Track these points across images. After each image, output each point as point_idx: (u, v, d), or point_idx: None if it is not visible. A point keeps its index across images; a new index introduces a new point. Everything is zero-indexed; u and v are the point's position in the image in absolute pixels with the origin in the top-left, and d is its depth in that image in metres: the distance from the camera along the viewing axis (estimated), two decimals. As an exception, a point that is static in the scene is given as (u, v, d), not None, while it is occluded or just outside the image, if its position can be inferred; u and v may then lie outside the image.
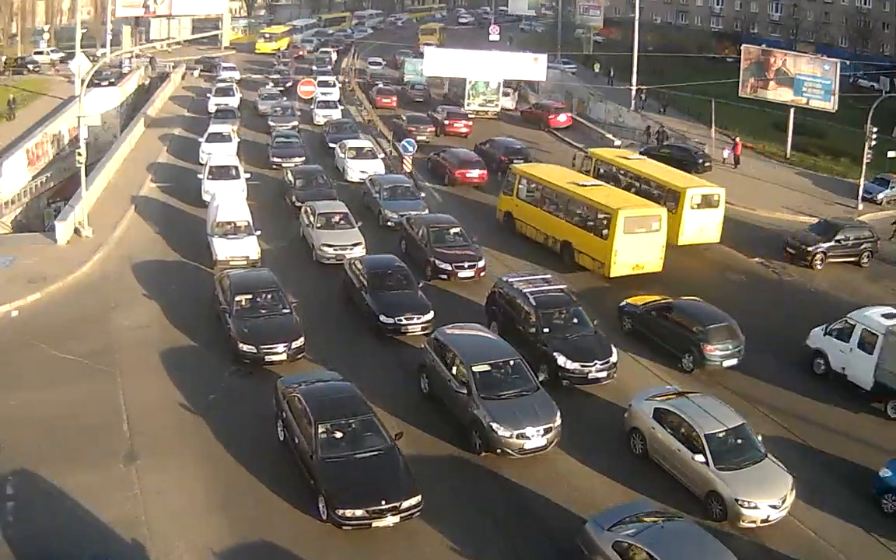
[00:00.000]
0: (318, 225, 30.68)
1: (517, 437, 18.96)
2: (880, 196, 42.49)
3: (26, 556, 15.50)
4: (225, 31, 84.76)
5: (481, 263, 29.29)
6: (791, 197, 43.00)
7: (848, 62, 67.24)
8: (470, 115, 55.65)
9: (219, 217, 29.54)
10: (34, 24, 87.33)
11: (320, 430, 17.30)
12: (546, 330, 23.12)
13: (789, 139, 51.48)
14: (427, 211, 34.04)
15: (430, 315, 24.82)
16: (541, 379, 21.33)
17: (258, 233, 29.49)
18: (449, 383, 20.42)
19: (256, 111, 53.96)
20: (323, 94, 56.64)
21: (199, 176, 36.30)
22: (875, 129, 41.45)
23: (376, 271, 26.14)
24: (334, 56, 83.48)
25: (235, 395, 21.29)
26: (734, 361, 24.25)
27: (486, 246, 31.29)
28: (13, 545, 15.69)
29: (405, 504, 16.42)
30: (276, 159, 41.03)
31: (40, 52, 74.87)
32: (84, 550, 15.66)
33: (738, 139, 50.10)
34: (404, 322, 24.54)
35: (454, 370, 20.40)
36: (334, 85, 60.54)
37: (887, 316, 24.08)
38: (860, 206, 41.48)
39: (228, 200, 31.06)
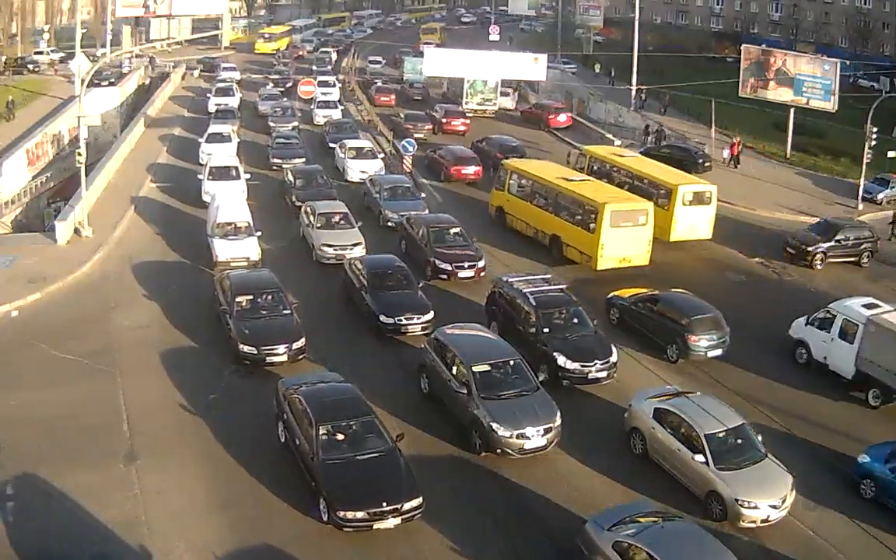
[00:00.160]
0: (318, 225, 30.68)
1: (517, 437, 18.96)
2: (880, 196, 42.48)
3: (26, 556, 15.50)
4: (225, 31, 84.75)
5: (481, 263, 29.29)
6: (791, 197, 43.01)
7: (848, 62, 67.24)
8: (468, 114, 56.03)
9: (219, 218, 29.52)
10: (34, 24, 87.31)
11: (321, 432, 17.27)
12: (546, 330, 23.13)
13: (789, 139, 51.48)
14: (427, 211, 34.04)
15: (430, 315, 24.82)
16: (541, 379, 21.32)
17: (258, 234, 29.48)
18: (449, 383, 20.42)
19: (256, 112, 53.93)
20: (323, 94, 56.68)
21: (199, 177, 36.26)
22: (875, 129, 41.45)
23: (376, 271, 26.14)
24: (334, 56, 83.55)
25: (235, 395, 21.29)
26: (719, 352, 24.63)
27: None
28: (13, 545, 15.69)
29: (406, 506, 16.39)
30: (276, 160, 40.93)
31: (40, 52, 74.85)
32: (84, 550, 15.67)
33: (736, 139, 50.09)
34: (404, 322, 24.53)
35: (454, 370, 20.40)
36: (334, 85, 60.57)
37: (868, 306, 24.57)
38: (860, 206, 41.48)
39: (229, 201, 31.03)
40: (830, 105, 50.34)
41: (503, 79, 62.72)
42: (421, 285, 26.37)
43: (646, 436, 19.64)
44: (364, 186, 37.24)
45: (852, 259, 33.87)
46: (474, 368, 20.02)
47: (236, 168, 36.33)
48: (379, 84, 67.07)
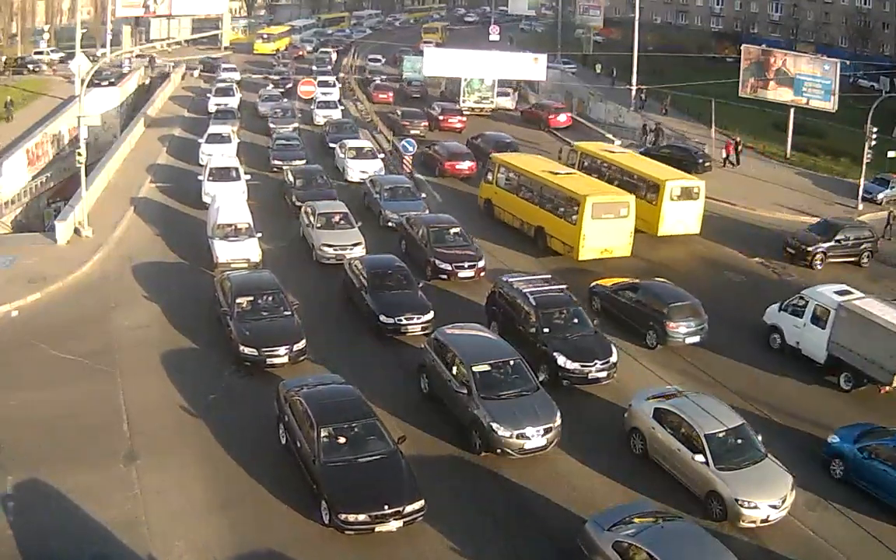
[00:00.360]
0: (318, 225, 30.67)
1: (517, 437, 18.96)
2: (880, 196, 42.47)
3: (26, 555, 15.50)
4: (225, 31, 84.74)
5: (481, 263, 29.29)
6: (791, 197, 43.01)
7: (848, 62, 67.22)
8: (465, 112, 56.63)
9: (219, 219, 29.47)
10: (34, 24, 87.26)
11: (322, 434, 17.21)
12: (546, 330, 23.13)
13: (789, 139, 51.49)
14: (427, 211, 34.04)
15: (430, 315, 24.81)
16: (541, 379, 21.34)
17: (259, 235, 29.46)
18: (449, 383, 20.42)
19: (256, 112, 53.88)
20: (323, 94, 56.69)
21: (199, 178, 36.17)
22: (875, 129, 41.45)
23: (376, 271, 26.14)
24: (334, 56, 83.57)
25: (235, 395, 21.29)
26: (697, 339, 25.32)
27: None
28: (13, 545, 15.69)
29: (408, 508, 16.33)
30: (276, 162, 40.73)
31: (40, 52, 74.84)
32: (84, 550, 15.68)
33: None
34: (404, 322, 24.53)
35: (454, 370, 20.40)
36: (334, 85, 60.60)
37: (840, 292, 25.26)
38: (860, 206, 41.48)
39: (229, 202, 30.97)
40: (830, 105, 50.36)
41: (503, 79, 62.86)
42: (421, 285, 26.37)
43: (646, 436, 19.64)
44: (364, 186, 37.24)
45: (852, 259, 33.88)
46: (474, 368, 20.02)
47: (236, 169, 36.27)
48: (377, 82, 67.77)
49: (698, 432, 18.44)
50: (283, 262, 29.61)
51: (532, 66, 64.00)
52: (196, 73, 72.30)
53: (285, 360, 22.26)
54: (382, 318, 24.47)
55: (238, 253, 28.45)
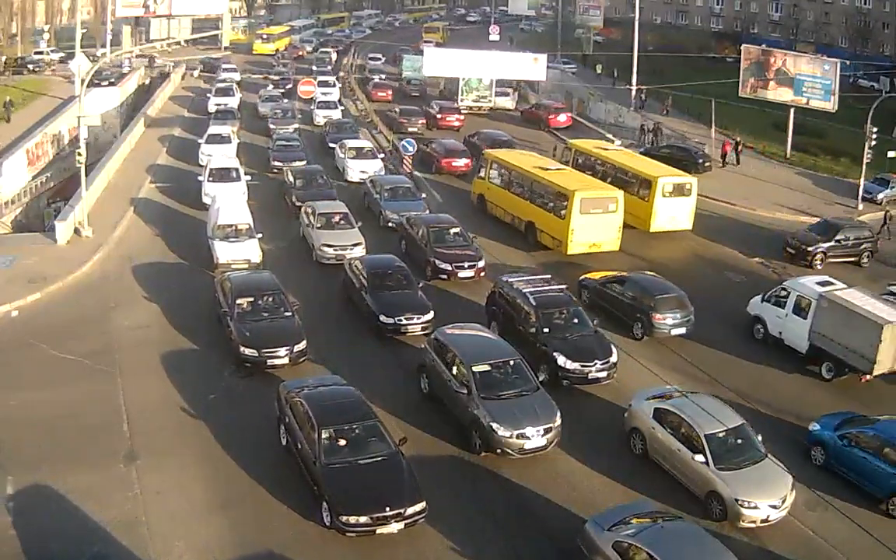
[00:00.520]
0: (318, 225, 30.67)
1: (517, 437, 18.96)
2: (880, 196, 42.46)
3: (27, 555, 15.50)
4: (225, 31, 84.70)
5: (481, 263, 29.30)
6: (791, 197, 43.02)
7: (848, 62, 67.23)
8: (464, 111, 57.10)
9: (220, 220, 29.44)
10: (34, 24, 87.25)
11: (323, 436, 17.16)
12: (546, 330, 23.13)
13: (789, 139, 51.51)
14: (428, 211, 34.04)
15: (430, 315, 24.81)
16: (541, 379, 21.34)
17: (259, 235, 29.44)
18: (449, 383, 20.42)
19: (256, 113, 53.83)
20: (323, 94, 56.72)
21: (199, 178, 36.04)
22: (875, 129, 41.47)
23: (376, 271, 26.14)
24: (334, 56, 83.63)
25: (235, 395, 21.29)
26: (683, 330, 25.80)
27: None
28: (14, 545, 15.69)
29: (410, 510, 16.30)
30: (276, 163, 40.60)
31: (40, 52, 74.87)
32: (84, 550, 15.66)
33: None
34: (404, 322, 24.52)
35: (454, 370, 20.40)
36: (334, 85, 60.63)
37: (821, 283, 25.85)
38: (860, 206, 41.49)
39: (229, 203, 30.94)
40: (830, 105, 50.38)
41: (503, 79, 62.93)
42: (421, 285, 26.37)
43: (646, 436, 19.64)
44: (364, 187, 37.25)
45: (852, 259, 33.90)
46: (474, 368, 20.02)
47: (236, 170, 36.20)
48: (376, 80, 68.31)
49: (698, 432, 18.44)
50: (283, 262, 29.61)
51: (532, 66, 64.04)
52: (196, 72, 72.30)
53: (286, 361, 22.22)
54: (382, 318, 24.46)
55: (238, 254, 28.41)
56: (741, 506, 17.41)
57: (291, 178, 36.72)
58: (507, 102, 62.65)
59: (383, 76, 71.92)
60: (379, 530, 16.16)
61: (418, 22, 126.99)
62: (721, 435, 18.55)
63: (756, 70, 53.57)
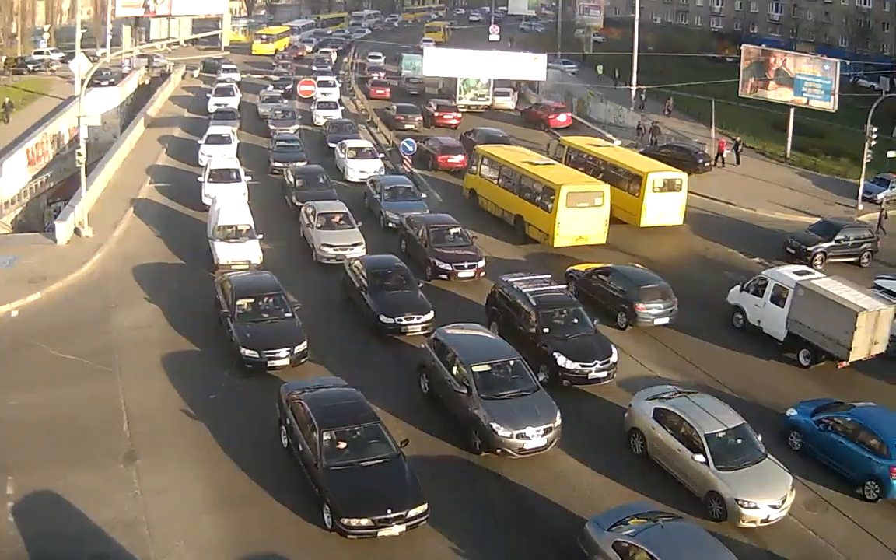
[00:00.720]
0: (319, 225, 30.65)
1: (517, 437, 18.96)
2: (880, 196, 42.44)
3: (26, 555, 15.50)
4: (225, 31, 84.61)
5: (481, 263, 29.30)
6: (791, 197, 43.02)
7: (848, 62, 67.24)
8: (461, 110, 57.70)
9: (220, 221, 29.38)
10: (34, 24, 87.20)
11: (325, 438, 17.10)
12: (546, 330, 23.12)
13: (789, 139, 51.49)
14: (428, 211, 34.04)
15: (430, 315, 24.80)
16: (541, 379, 21.34)
17: (260, 236, 29.41)
18: (449, 383, 20.41)
19: (257, 114, 53.71)
20: (323, 94, 56.75)
21: (199, 179, 35.91)
22: (875, 129, 41.44)
23: (376, 271, 26.13)
24: (334, 56, 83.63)
25: (236, 395, 21.28)
26: (666, 320, 26.40)
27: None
28: (13, 545, 15.69)
29: (411, 513, 16.26)
30: (276, 164, 40.50)
31: (40, 52, 74.86)
32: (84, 550, 15.67)
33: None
34: (404, 322, 24.52)
35: (454, 370, 20.39)
36: (334, 85, 60.62)
37: (799, 273, 26.45)
38: (860, 206, 41.48)
39: (230, 204, 30.86)
40: (830, 105, 50.37)
41: (504, 79, 62.98)
42: (421, 285, 26.36)
43: (646, 436, 19.64)
44: (365, 187, 37.24)
45: (852, 259, 33.89)
46: (474, 368, 20.01)
47: (237, 170, 36.07)
48: (375, 78, 69.15)
49: (698, 432, 18.44)
50: (283, 262, 29.59)
51: (532, 66, 64.09)
52: (196, 73, 72.29)
53: (286, 362, 22.18)
54: (382, 318, 24.46)
55: (239, 254, 28.37)
56: (741, 506, 17.40)
57: (291, 178, 36.67)
58: (508, 102, 62.71)
59: (382, 74, 72.47)
60: (380, 533, 16.12)
61: (417, 22, 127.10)
62: (721, 435, 18.55)
63: (756, 70, 53.55)
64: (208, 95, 56.30)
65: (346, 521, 15.94)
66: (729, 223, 38.18)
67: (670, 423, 19.17)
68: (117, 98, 58.14)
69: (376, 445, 17.47)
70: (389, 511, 16.09)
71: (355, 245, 29.78)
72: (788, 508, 17.83)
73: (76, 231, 31.65)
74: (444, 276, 28.72)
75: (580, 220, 32.18)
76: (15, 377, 21.47)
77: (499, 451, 19.02)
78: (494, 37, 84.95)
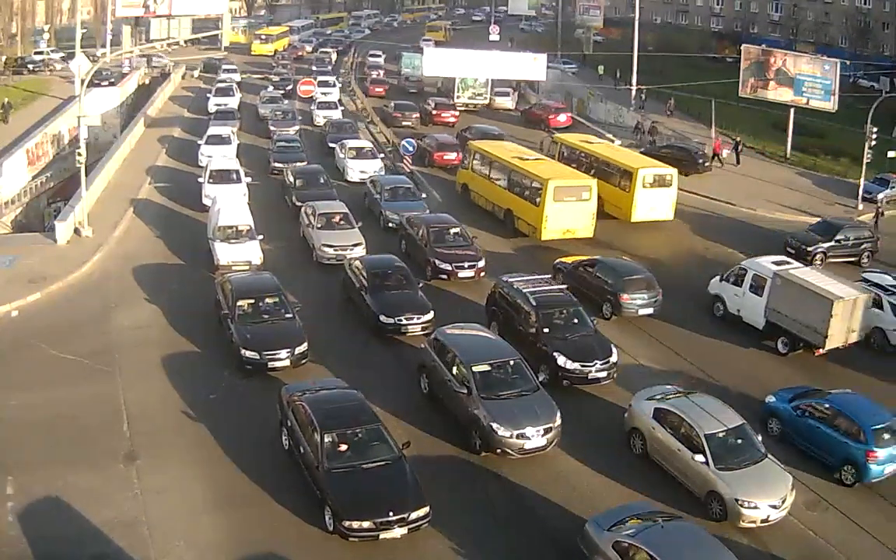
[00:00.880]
0: (319, 225, 30.64)
1: (517, 437, 18.96)
2: (880, 196, 42.44)
3: (26, 556, 15.50)
4: (225, 31, 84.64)
5: (481, 263, 29.30)
6: (791, 197, 43.02)
7: (848, 62, 67.25)
8: (459, 108, 58.21)
9: (220, 221, 29.33)
10: (34, 24, 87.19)
11: (326, 440, 17.03)
12: (546, 330, 23.12)
13: (789, 139, 51.51)
14: (428, 211, 34.03)
15: (430, 315, 24.80)
16: (541, 379, 21.34)
17: (260, 237, 29.39)
18: (449, 383, 20.41)
19: (257, 115, 53.59)
20: (323, 94, 56.78)
21: (199, 180, 35.84)
22: (875, 129, 41.46)
23: (376, 271, 26.12)
24: (334, 56, 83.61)
25: (236, 395, 21.27)
26: (650, 311, 27.09)
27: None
28: (13, 545, 15.69)
29: (413, 515, 16.21)
30: (276, 164, 40.42)
31: (40, 52, 74.86)
32: (84, 550, 15.67)
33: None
34: (404, 322, 24.52)
35: (454, 370, 20.39)
36: (334, 85, 60.65)
37: (777, 263, 27.16)
38: (860, 206, 41.48)
39: (230, 204, 30.80)
40: (830, 105, 50.40)
41: (504, 79, 63.01)
42: (421, 285, 26.35)
43: (646, 436, 19.64)
44: (365, 187, 37.24)
45: (852, 259, 33.89)
46: (474, 368, 20.01)
47: (237, 171, 35.95)
48: (373, 76, 70.01)
49: (698, 432, 18.45)
50: (284, 262, 29.58)
51: (532, 66, 64.14)
52: (196, 73, 72.30)
53: (287, 363, 22.14)
54: (382, 318, 24.46)
55: (239, 255, 28.33)
56: (741, 506, 17.40)
57: (291, 178, 36.63)
58: (508, 102, 62.78)
59: (381, 73, 73.04)
60: (382, 535, 16.07)
61: (416, 22, 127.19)
62: (721, 435, 18.56)
63: (756, 70, 53.57)
64: (208, 95, 56.26)
65: (347, 523, 15.89)
66: (729, 223, 38.19)
67: (670, 423, 19.17)
68: (117, 98, 58.12)
69: (378, 447, 17.41)
70: (391, 513, 16.04)
71: (355, 245, 29.78)
72: (788, 508, 17.83)
73: (76, 231, 31.65)
74: (444, 276, 28.72)
75: (568, 214, 32.83)
76: (15, 377, 21.47)
77: (499, 451, 19.02)
78: (494, 37, 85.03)
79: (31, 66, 70.20)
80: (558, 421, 19.48)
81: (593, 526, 16.08)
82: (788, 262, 27.41)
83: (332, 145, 44.47)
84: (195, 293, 26.78)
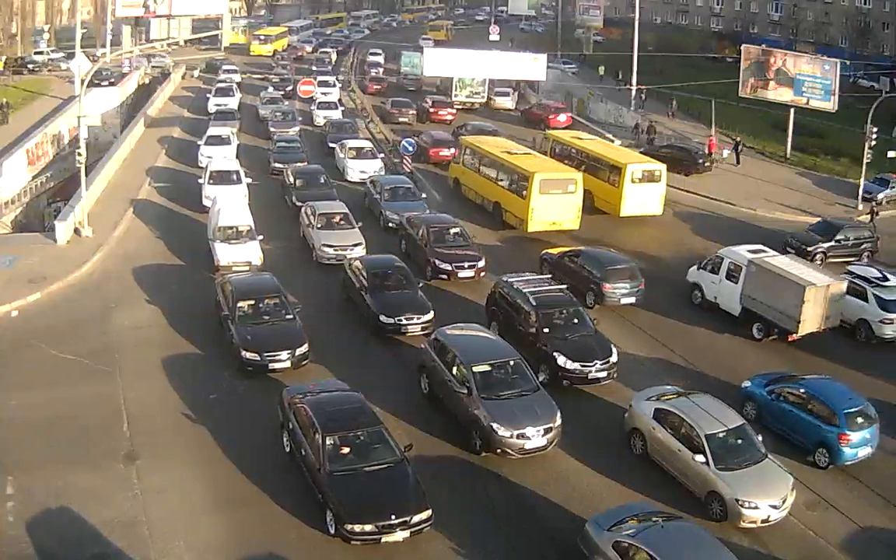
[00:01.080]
0: (319, 225, 30.63)
1: (517, 437, 18.95)
2: (880, 196, 42.44)
3: (26, 555, 15.50)
4: (225, 31, 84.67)
5: (481, 263, 29.29)
6: (791, 197, 43.01)
7: (848, 62, 67.24)
8: (457, 107, 58.85)
9: (220, 221, 29.28)
10: (34, 24, 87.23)
11: (328, 443, 16.96)
12: (546, 330, 23.11)
13: (789, 139, 51.51)
14: (428, 211, 34.03)
15: (430, 315, 24.79)
16: (541, 379, 21.33)
17: (260, 237, 29.38)
18: (449, 383, 20.40)
19: (257, 116, 53.49)
20: (323, 94, 56.75)
21: (199, 181, 35.73)
22: (875, 129, 41.47)
23: (376, 271, 26.11)
24: (334, 57, 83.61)
25: (236, 395, 21.27)
26: (632, 299, 27.82)
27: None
28: (13, 545, 15.69)
29: (415, 519, 16.14)
30: (277, 164, 40.32)
31: (40, 52, 74.88)
32: (84, 550, 15.67)
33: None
34: (404, 322, 24.51)
35: (454, 370, 20.38)
36: (334, 85, 60.63)
37: (753, 251, 27.65)
38: (860, 206, 41.47)
39: (230, 204, 30.73)
40: (830, 105, 50.40)
41: (504, 79, 63.05)
42: (421, 285, 26.35)
43: (646, 436, 19.64)
44: (365, 188, 37.24)
45: (852, 259, 33.80)
46: (474, 368, 20.00)
47: (237, 172, 35.82)
48: (372, 74, 71.24)
49: (699, 432, 18.44)
50: (284, 262, 29.56)
51: (532, 66, 64.20)
52: (196, 73, 72.30)
53: (287, 364, 22.10)
54: (382, 318, 24.45)
55: (239, 256, 28.29)
56: (741, 506, 17.39)
57: (292, 178, 36.57)
58: (508, 102, 62.80)
59: (380, 70, 73.82)
60: (384, 539, 16.02)
61: (415, 22, 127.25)
62: (721, 435, 18.55)
63: (756, 70, 53.57)
64: (208, 96, 56.22)
65: (349, 527, 15.82)
66: (729, 223, 38.18)
67: (671, 424, 19.16)
68: (117, 98, 58.13)
69: (380, 450, 17.34)
70: (393, 517, 15.96)
71: (355, 245, 29.77)
72: (789, 509, 17.82)
73: (76, 231, 31.64)
74: (444, 276, 28.71)
75: (553, 207, 33.45)
76: (15, 377, 21.46)
77: (499, 451, 19.01)
78: (494, 37, 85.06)
79: (31, 66, 70.19)
80: (558, 421, 19.47)
81: (593, 526, 16.08)
82: (764, 251, 27.92)
83: (332, 145, 44.45)
84: (195, 294, 26.78)
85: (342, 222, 30.95)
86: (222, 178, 35.22)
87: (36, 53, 74.78)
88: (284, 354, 22.12)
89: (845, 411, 20.02)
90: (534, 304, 23.64)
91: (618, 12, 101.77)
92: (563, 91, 66.45)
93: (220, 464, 18.50)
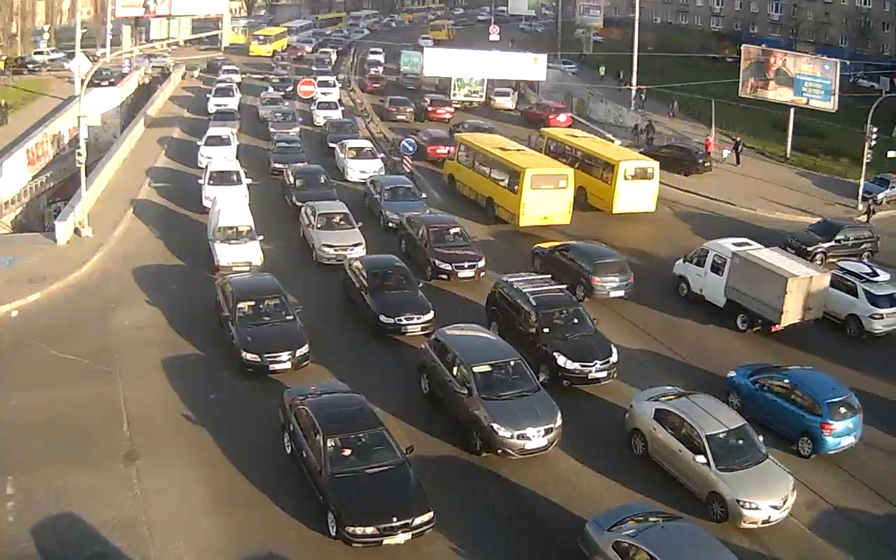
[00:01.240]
0: (319, 225, 30.61)
1: (518, 437, 18.94)
2: (880, 196, 42.46)
3: (26, 556, 15.49)
4: (225, 31, 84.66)
5: (481, 263, 29.29)
6: (791, 197, 43.02)
7: (848, 62, 67.23)
8: (456, 106, 59.39)
9: (220, 222, 29.25)
10: (34, 24, 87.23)
11: (329, 444, 16.90)
12: (546, 330, 23.10)
13: (789, 139, 51.51)
14: (428, 211, 34.02)
15: (430, 315, 24.78)
16: (541, 379, 21.32)
17: (261, 237, 29.36)
18: (449, 384, 20.39)
19: (257, 116, 53.45)
20: (323, 94, 56.76)
21: (199, 181, 35.68)
22: (875, 129, 41.48)
23: (376, 271, 26.10)
24: (334, 57, 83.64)
25: (236, 395, 21.26)
26: (621, 293, 28.25)
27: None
28: (13, 545, 15.68)
29: (417, 521, 16.09)
30: (277, 164, 40.25)
31: (40, 52, 74.86)
32: (84, 550, 15.66)
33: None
34: (404, 322, 24.50)
35: (454, 371, 20.37)
36: (334, 85, 60.65)
37: (737, 244, 28.26)
38: (860, 206, 41.47)
39: (230, 205, 30.69)
40: (830, 105, 50.40)
41: (504, 79, 63.11)
42: (421, 285, 26.34)
43: (647, 436, 19.63)
44: (365, 188, 37.23)
45: (853, 259, 33.81)
46: (475, 369, 19.99)
47: (237, 173, 35.76)
48: (372, 72, 72.06)
49: (699, 433, 18.43)
50: (284, 262, 29.54)
51: (532, 66, 64.30)
52: (196, 73, 72.30)
53: (287, 365, 22.06)
54: (382, 318, 24.44)
55: (239, 256, 28.25)
56: (742, 506, 17.38)
57: (292, 178, 36.53)
58: (508, 102, 62.84)
59: (380, 69, 74.42)
60: (385, 541, 15.98)
61: (415, 22, 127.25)
62: (722, 435, 18.54)
63: (756, 70, 53.57)
64: (208, 96, 56.21)
65: (350, 529, 15.77)
66: (729, 223, 38.12)
67: (671, 424, 19.16)
68: (117, 98, 58.12)
69: (381, 452, 17.28)
70: (395, 519, 15.92)
71: (355, 245, 29.76)
72: (790, 509, 17.81)
73: (76, 231, 31.64)
74: (444, 276, 28.71)
75: (545, 202, 33.98)
76: (15, 377, 21.45)
77: (499, 451, 19.01)
78: (494, 37, 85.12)
79: (30, 66, 70.17)
80: (559, 421, 19.47)
81: (593, 526, 16.07)
82: (749, 244, 28.31)
83: (332, 145, 44.45)
84: (195, 294, 26.76)
85: (342, 222, 30.94)
86: (222, 178, 35.16)
87: (36, 53, 74.77)
88: (285, 355, 22.07)
89: (828, 401, 20.32)
90: (534, 304, 23.63)
91: (618, 12, 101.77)
92: (563, 91, 66.47)
93: (221, 464, 18.49)
